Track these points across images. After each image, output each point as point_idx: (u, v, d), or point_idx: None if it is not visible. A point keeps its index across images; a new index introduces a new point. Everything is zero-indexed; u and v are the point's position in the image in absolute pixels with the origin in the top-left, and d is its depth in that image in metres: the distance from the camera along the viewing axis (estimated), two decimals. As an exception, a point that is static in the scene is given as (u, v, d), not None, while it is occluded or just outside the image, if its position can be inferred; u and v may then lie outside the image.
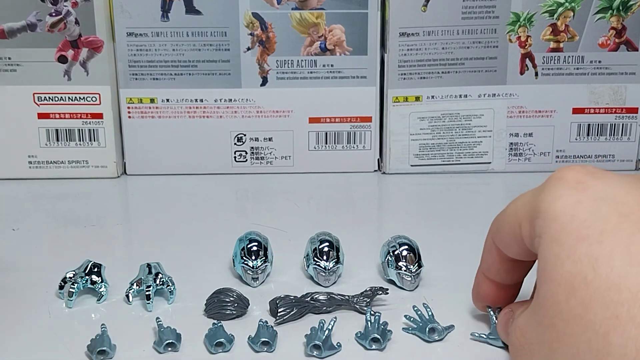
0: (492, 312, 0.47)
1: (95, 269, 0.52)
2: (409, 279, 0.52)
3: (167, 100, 0.71)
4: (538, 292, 0.37)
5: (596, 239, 0.35)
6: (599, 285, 0.34)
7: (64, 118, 0.70)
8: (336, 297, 0.50)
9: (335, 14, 0.68)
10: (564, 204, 0.37)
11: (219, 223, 0.64)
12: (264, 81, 0.70)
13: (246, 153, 0.72)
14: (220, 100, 0.71)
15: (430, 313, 0.48)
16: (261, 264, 0.53)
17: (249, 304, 0.50)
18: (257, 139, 0.72)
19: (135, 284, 0.52)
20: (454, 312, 0.50)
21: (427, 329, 0.47)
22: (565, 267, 0.35)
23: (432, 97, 0.71)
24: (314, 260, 0.53)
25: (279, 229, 0.61)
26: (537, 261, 0.39)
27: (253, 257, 0.53)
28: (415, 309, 0.48)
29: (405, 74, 0.70)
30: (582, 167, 0.38)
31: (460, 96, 0.71)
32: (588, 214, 0.36)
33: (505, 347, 0.46)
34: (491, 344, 0.47)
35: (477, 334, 0.47)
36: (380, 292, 0.51)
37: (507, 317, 0.44)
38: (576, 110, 0.72)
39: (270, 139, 0.72)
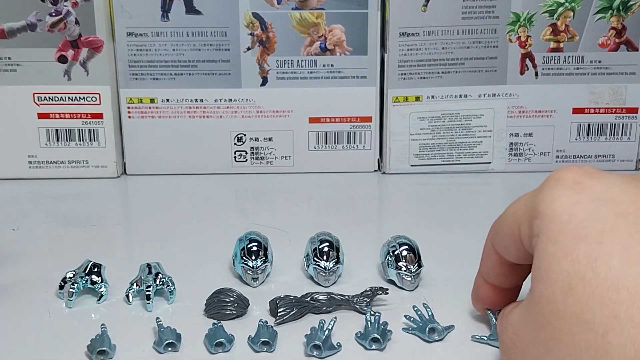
0: (491, 315, 0.47)
1: (95, 269, 0.52)
2: (409, 279, 0.52)
3: (167, 100, 0.71)
4: (533, 291, 0.37)
5: (595, 238, 0.35)
6: (597, 285, 0.34)
7: (64, 118, 0.70)
8: (336, 297, 0.50)
9: (335, 14, 0.68)
10: (562, 204, 0.37)
11: (219, 223, 0.64)
12: (264, 81, 0.70)
13: (246, 153, 0.72)
14: (220, 100, 0.71)
15: (430, 313, 0.48)
16: (261, 264, 0.53)
17: (249, 304, 0.50)
18: (257, 139, 0.72)
19: (135, 284, 0.52)
20: (454, 312, 0.50)
21: (427, 329, 0.47)
22: (562, 265, 0.35)
23: (432, 97, 0.71)
24: (314, 260, 0.53)
25: (279, 229, 0.61)
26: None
27: (253, 257, 0.53)
28: (415, 309, 0.48)
29: (405, 74, 0.70)
30: (579, 168, 0.38)
31: (460, 96, 0.71)
32: (586, 214, 0.36)
33: None
34: (492, 345, 0.47)
35: (477, 337, 0.47)
36: (380, 292, 0.51)
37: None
38: (576, 110, 0.72)
39: (270, 139, 0.72)
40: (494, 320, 0.47)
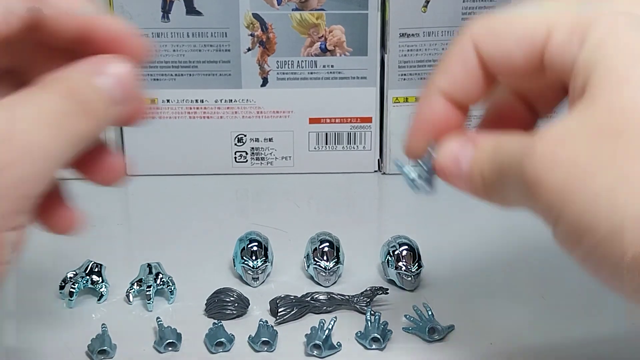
0: (431, 151, 0.40)
1: (96, 269, 0.52)
2: (409, 279, 0.52)
3: (168, 100, 0.71)
4: (595, 101, 0.34)
5: None
6: None
7: (65, 118, 0.70)
8: (336, 297, 0.50)
9: (335, 15, 0.68)
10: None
11: (219, 223, 0.64)
12: (265, 82, 0.70)
13: (246, 153, 0.72)
14: (221, 100, 0.71)
15: (430, 313, 0.48)
16: (261, 264, 0.53)
17: (249, 304, 0.50)
18: (257, 140, 0.72)
19: (135, 283, 0.52)
20: (454, 312, 0.50)
21: (427, 329, 0.47)
22: None
23: (432, 97, 0.71)
24: (314, 260, 0.53)
25: (279, 229, 0.61)
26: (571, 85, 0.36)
27: (253, 257, 0.53)
28: (415, 309, 0.48)
29: (405, 74, 0.70)
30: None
31: (460, 97, 0.71)
32: None
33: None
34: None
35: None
36: (380, 292, 0.51)
37: (465, 150, 0.38)
38: (576, 111, 0.72)
39: (270, 140, 0.72)
40: (433, 156, 0.40)
